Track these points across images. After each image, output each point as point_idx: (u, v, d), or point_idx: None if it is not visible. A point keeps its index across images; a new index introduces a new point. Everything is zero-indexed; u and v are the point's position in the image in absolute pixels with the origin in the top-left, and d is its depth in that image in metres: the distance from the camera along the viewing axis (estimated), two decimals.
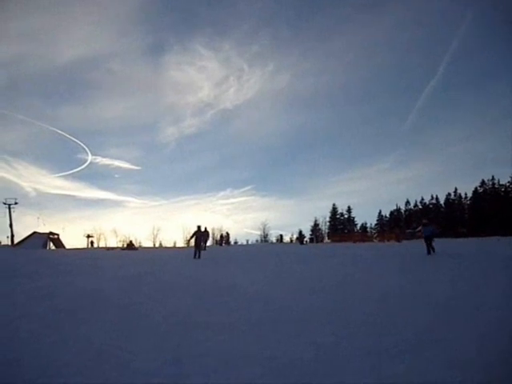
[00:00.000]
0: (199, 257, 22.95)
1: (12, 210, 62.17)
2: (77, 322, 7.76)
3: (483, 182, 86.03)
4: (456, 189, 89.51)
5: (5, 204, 62.05)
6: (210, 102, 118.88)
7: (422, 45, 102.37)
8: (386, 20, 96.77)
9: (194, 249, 23.76)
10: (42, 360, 5.40)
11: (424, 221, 24.31)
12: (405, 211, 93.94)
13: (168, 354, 5.59)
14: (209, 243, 43.10)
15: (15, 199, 63.26)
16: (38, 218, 67.31)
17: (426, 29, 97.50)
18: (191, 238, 25.15)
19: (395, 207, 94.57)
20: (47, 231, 63.92)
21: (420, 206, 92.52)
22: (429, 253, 22.19)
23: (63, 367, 5.12)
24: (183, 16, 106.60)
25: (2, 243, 64.48)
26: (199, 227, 24.40)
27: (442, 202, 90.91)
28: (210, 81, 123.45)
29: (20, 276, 15.43)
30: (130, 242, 49.85)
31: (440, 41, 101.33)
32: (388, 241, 43.73)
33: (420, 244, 24.83)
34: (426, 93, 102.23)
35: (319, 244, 61.99)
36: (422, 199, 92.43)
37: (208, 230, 32.74)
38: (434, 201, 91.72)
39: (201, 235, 24.63)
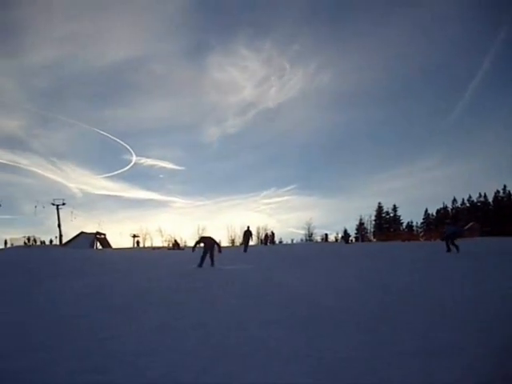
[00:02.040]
0: (213, 264, 18.37)
1: (60, 209, 63.67)
2: (127, 319, 7.82)
3: None
4: (505, 186, 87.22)
5: (53, 205, 63.66)
6: (252, 102, 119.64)
7: (466, 39, 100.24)
8: (429, 15, 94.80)
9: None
10: (94, 357, 5.42)
11: (447, 221, 25.38)
12: (451, 209, 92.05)
13: (217, 353, 5.51)
14: (254, 242, 42.87)
15: (63, 200, 64.84)
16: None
17: (469, 23, 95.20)
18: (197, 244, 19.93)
19: (442, 205, 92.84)
20: (94, 231, 65.37)
21: (467, 204, 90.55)
22: (448, 250, 22.45)
23: (116, 364, 5.12)
24: (224, 17, 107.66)
25: (51, 243, 66.10)
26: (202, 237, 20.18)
27: (490, 199, 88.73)
28: (251, 81, 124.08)
29: (70, 274, 15.79)
30: (175, 241, 50.19)
31: (484, 35, 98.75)
32: (434, 240, 42.84)
33: (464, 243, 24.51)
34: (472, 88, 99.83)
35: (365, 243, 61.32)
36: (470, 197, 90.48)
37: (251, 229, 31.09)
38: (482, 199, 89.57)
39: (209, 241, 19.23)
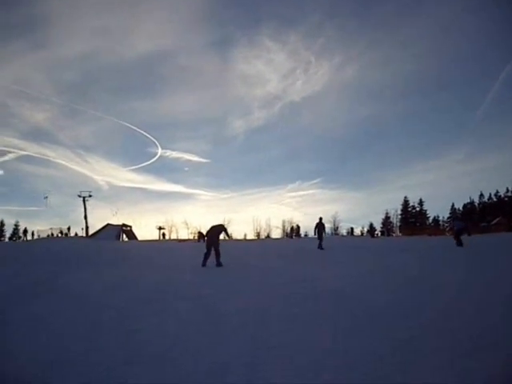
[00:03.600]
0: (219, 263, 15.72)
1: (87, 202, 64.42)
2: (152, 312, 7.99)
3: None
4: None
5: (80, 197, 64.44)
6: (278, 95, 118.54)
7: (496, 30, 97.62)
8: (457, 6, 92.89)
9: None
10: (125, 349, 5.60)
11: (457, 216, 25.94)
12: (478, 204, 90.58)
13: (243, 345, 5.62)
14: (279, 235, 42.07)
15: (89, 192, 65.52)
16: (115, 213, 69.11)
17: (499, 13, 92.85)
18: (207, 234, 17.28)
19: (469, 200, 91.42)
20: (120, 223, 66.02)
21: (495, 199, 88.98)
22: (458, 245, 22.80)
23: (142, 355, 5.28)
24: (249, 9, 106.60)
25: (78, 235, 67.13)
26: (221, 225, 17.62)
27: None
28: (277, 73, 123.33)
29: (97, 266, 15.99)
30: (200, 232, 49.91)
31: None
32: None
33: (491, 238, 24.34)
34: (501, 80, 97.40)
35: (390, 237, 60.87)
36: (497, 192, 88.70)
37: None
38: (509, 194, 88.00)
39: (217, 232, 16.76)
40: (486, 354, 4.93)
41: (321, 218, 25.46)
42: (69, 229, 66.71)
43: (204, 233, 40.97)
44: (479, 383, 4.20)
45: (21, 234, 72.44)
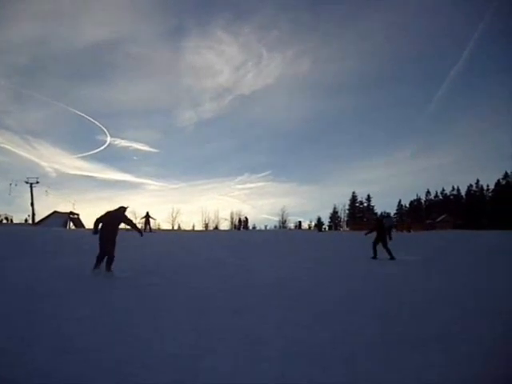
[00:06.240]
0: (108, 268, 10.77)
1: (34, 188, 62.80)
2: (98, 300, 7.83)
3: (506, 175, 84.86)
4: (478, 180, 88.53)
5: (27, 183, 62.68)
6: (229, 87, 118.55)
7: (446, 31, 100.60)
8: (409, 6, 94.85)
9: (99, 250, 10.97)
10: (72, 336, 5.44)
11: (385, 214, 29.18)
12: (425, 201, 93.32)
13: (189, 335, 5.58)
14: (227, 227, 41.77)
15: (37, 178, 63.77)
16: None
17: (450, 14, 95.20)
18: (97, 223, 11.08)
19: (415, 197, 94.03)
20: (68, 211, 64.70)
21: (441, 197, 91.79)
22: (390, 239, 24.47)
23: (83, 344, 5.12)
24: None
25: (21, 222, 65.26)
26: (122, 208, 11.57)
27: (463, 193, 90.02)
28: (228, 65, 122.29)
29: (42, 253, 15.63)
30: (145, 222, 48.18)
31: (464, 26, 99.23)
32: (401, 231, 43.44)
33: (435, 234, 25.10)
34: (449, 79, 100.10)
35: (337, 232, 61.79)
36: (443, 190, 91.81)
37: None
38: (454, 192, 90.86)
39: (114, 221, 11.16)
40: (429, 347, 5.09)
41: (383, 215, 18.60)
42: (6, 218, 64.78)
43: (151, 224, 34.26)
44: (424, 374, 4.32)
45: None
